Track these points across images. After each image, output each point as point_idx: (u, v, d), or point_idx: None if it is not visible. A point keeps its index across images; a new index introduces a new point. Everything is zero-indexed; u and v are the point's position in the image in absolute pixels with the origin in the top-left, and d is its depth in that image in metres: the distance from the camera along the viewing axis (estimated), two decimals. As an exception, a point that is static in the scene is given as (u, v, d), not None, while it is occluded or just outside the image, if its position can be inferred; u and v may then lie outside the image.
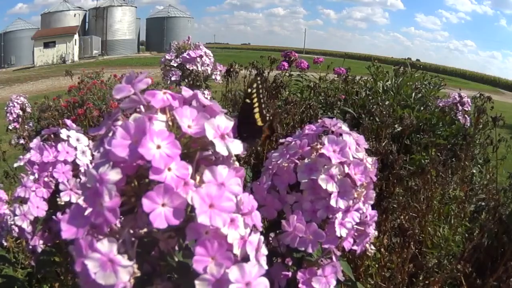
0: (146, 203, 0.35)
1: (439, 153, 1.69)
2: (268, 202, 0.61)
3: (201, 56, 1.35)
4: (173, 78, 1.37)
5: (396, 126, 2.07)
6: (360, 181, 0.59)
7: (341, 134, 0.61)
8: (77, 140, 0.79)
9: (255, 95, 0.59)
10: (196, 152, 0.39)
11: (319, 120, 0.65)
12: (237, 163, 0.44)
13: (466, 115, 2.13)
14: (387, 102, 2.38)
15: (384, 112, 1.95)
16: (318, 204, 0.58)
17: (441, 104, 2.25)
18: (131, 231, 0.39)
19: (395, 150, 1.32)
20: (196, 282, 0.37)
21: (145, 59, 22.11)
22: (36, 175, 0.77)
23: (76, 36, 24.61)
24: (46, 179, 0.76)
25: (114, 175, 0.36)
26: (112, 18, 26.79)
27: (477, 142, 2.19)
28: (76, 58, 24.12)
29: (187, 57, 1.34)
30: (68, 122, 0.82)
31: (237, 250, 0.39)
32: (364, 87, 2.72)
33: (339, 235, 0.58)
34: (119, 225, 0.39)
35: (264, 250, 0.42)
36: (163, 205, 0.36)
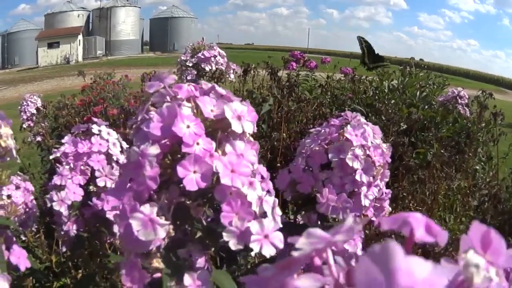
0: (180, 170, 0.45)
1: (444, 148, 1.74)
2: (304, 179, 0.72)
3: (215, 56, 1.42)
4: (189, 77, 1.43)
5: (402, 124, 2.14)
6: (379, 162, 0.71)
7: (360, 125, 0.74)
8: (108, 133, 0.88)
9: None
10: (218, 131, 0.49)
11: (342, 114, 0.78)
12: (251, 139, 0.52)
13: (465, 107, 2.25)
14: (393, 101, 2.44)
15: (390, 111, 2.01)
16: (346, 179, 0.70)
17: (440, 99, 2.36)
18: (166, 201, 0.48)
19: (406, 143, 1.38)
20: (224, 233, 0.46)
21: (149, 59, 22.18)
22: (72, 165, 0.85)
23: (80, 37, 24.69)
24: (82, 167, 0.84)
25: (153, 149, 0.45)
26: (115, 18, 26.87)
27: (480, 140, 2.25)
28: (80, 59, 24.20)
29: (202, 57, 1.40)
30: (96, 119, 0.91)
31: (255, 208, 0.48)
32: (370, 86, 2.79)
33: (363, 205, 0.71)
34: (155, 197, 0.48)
35: (278, 211, 0.50)
36: (194, 172, 0.45)
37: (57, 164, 0.88)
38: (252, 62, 2.48)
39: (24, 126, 2.42)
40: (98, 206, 0.85)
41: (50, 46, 23.98)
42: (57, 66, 22.47)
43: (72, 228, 0.89)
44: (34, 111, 2.42)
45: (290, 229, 0.56)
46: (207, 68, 1.40)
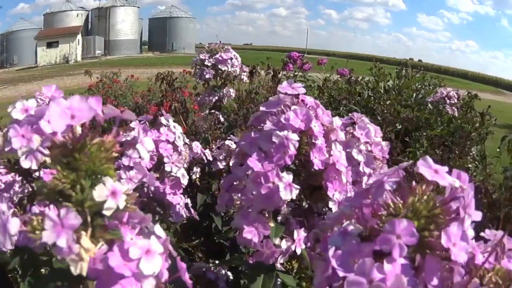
0: (311, 154, 0.66)
1: (437, 147, 1.81)
2: None
3: (231, 58, 1.54)
4: (207, 76, 1.55)
5: (397, 125, 2.21)
6: (378, 157, 0.86)
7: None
8: (174, 127, 0.99)
9: None
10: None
11: (350, 114, 0.93)
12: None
13: (453, 107, 2.32)
14: (388, 102, 2.51)
15: (385, 111, 2.08)
16: (351, 170, 0.85)
17: (429, 100, 2.43)
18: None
19: (393, 138, 1.46)
20: (330, 203, 0.68)
21: (148, 59, 22.23)
22: None
23: (79, 36, 24.70)
24: (150, 153, 0.92)
25: (295, 136, 0.65)
26: (114, 18, 26.88)
27: (474, 140, 2.32)
28: (79, 58, 24.23)
29: (220, 58, 1.53)
30: (165, 113, 1.02)
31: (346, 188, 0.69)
32: (366, 87, 2.85)
33: None
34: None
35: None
36: (315, 157, 0.66)
37: (126, 147, 0.96)
38: (252, 62, 2.55)
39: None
40: (160, 189, 0.96)
41: (49, 45, 24.00)
42: (56, 65, 22.50)
43: None
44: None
45: (304, 212, 0.77)
46: (224, 69, 1.53)
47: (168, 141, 0.96)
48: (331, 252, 0.39)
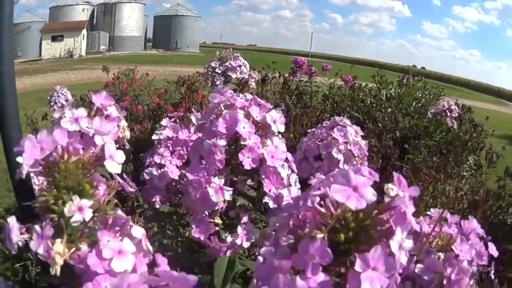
0: (240, 156, 0.69)
1: (434, 155, 1.90)
2: (302, 166, 0.97)
3: (240, 66, 1.64)
4: (217, 83, 1.66)
5: (397, 132, 2.30)
6: (356, 154, 0.95)
7: (345, 126, 0.98)
8: None
9: None
10: (260, 130, 0.72)
11: (331, 119, 1.03)
12: (280, 136, 0.77)
13: (454, 120, 2.41)
14: (389, 110, 2.60)
15: (386, 118, 2.17)
16: (332, 167, 0.94)
17: (432, 111, 2.52)
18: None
19: (392, 145, 1.56)
20: (266, 197, 0.71)
21: (152, 57, 22.30)
22: (170, 148, 1.01)
23: (84, 31, 24.72)
24: (181, 152, 1.01)
25: (222, 142, 0.69)
26: (120, 14, 26.91)
27: (471, 149, 2.41)
28: (83, 53, 24.25)
29: (229, 66, 1.63)
30: (195, 111, 1.07)
31: (285, 181, 0.72)
32: (369, 94, 2.94)
33: None
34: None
35: (298, 184, 0.75)
36: (247, 157, 0.69)
37: (158, 145, 1.04)
38: (256, 63, 2.64)
39: (56, 116, 2.54)
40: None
41: (54, 39, 24.00)
42: (60, 59, 22.52)
43: (157, 200, 1.05)
44: (64, 103, 2.55)
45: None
46: (233, 76, 1.63)
47: None
48: (256, 264, 0.42)
